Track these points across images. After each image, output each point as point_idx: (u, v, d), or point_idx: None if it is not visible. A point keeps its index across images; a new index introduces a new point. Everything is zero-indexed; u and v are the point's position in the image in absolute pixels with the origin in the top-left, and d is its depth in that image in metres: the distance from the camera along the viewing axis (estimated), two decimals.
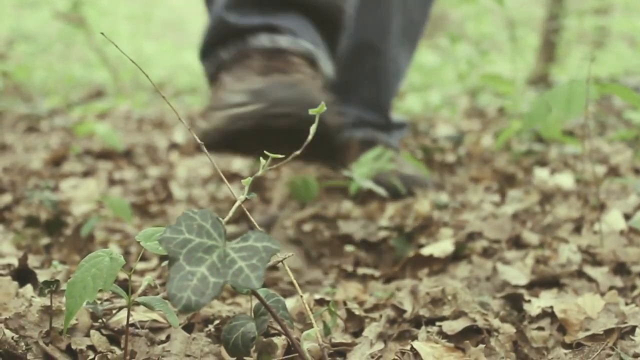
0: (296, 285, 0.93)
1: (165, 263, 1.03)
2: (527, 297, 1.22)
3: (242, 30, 1.57)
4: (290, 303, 1.21)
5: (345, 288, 1.32)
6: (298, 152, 0.93)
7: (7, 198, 2.06)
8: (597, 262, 1.39)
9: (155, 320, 1.04)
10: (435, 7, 2.50)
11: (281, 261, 0.96)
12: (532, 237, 1.57)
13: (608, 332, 1.06)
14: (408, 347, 0.99)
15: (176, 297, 0.68)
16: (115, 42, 0.95)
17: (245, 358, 0.94)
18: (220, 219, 0.76)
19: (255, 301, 0.88)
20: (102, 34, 0.99)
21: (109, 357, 0.89)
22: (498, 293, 1.29)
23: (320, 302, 1.22)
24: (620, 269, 1.35)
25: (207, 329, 1.02)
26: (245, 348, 0.85)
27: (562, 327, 1.12)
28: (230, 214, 0.93)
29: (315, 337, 0.95)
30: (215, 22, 1.67)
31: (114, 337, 0.98)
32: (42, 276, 1.20)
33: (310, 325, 1.04)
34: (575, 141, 2.08)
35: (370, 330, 1.08)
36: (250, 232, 0.74)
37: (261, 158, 0.91)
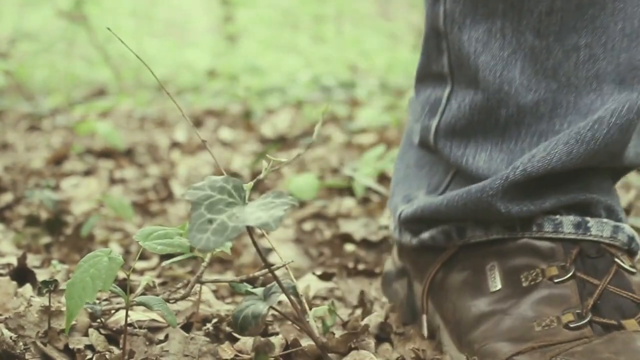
0: (296, 283, 0.93)
1: (165, 263, 1.03)
2: None
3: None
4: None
5: (347, 284, 1.32)
6: (301, 153, 0.93)
7: (7, 197, 2.06)
8: None
9: (153, 320, 1.04)
10: None
11: (284, 266, 0.96)
12: None
13: None
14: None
15: (196, 237, 0.72)
16: (118, 41, 0.95)
17: (243, 357, 0.94)
18: (242, 185, 0.79)
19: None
20: (108, 28, 0.99)
21: (107, 356, 0.89)
22: None
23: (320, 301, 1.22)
24: None
25: (205, 328, 1.02)
26: (255, 320, 0.87)
27: None
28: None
29: (324, 314, 0.97)
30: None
31: (113, 337, 0.98)
32: (42, 276, 1.20)
33: (306, 326, 1.04)
34: None
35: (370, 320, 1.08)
36: (269, 192, 0.78)
37: (263, 160, 0.91)
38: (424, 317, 1.04)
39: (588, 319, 0.84)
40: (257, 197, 0.78)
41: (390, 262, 1.20)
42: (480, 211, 0.94)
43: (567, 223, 0.91)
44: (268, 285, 0.91)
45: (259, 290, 0.92)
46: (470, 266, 0.96)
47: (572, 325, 0.83)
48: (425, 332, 1.03)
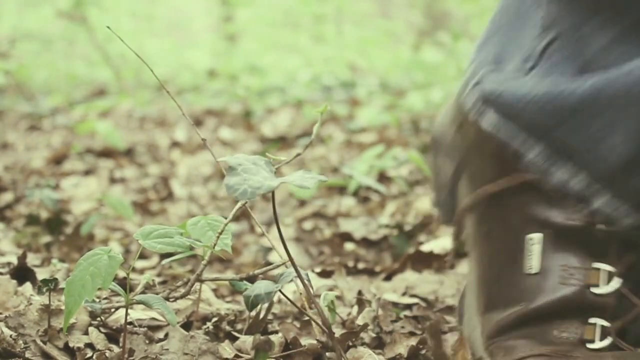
0: (296, 282, 0.93)
1: (165, 261, 1.03)
2: None
3: None
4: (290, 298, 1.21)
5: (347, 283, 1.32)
6: (300, 153, 0.93)
7: (8, 196, 2.07)
8: None
9: (153, 319, 1.04)
10: (438, 4, 2.49)
11: (284, 264, 0.96)
12: None
13: None
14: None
15: (233, 187, 0.75)
16: (118, 41, 0.95)
17: (243, 355, 0.94)
18: (271, 162, 0.82)
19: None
20: (108, 27, 0.99)
21: (107, 355, 0.89)
22: None
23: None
24: None
25: (205, 327, 1.02)
26: (267, 296, 0.89)
27: None
28: (232, 214, 0.93)
29: (333, 298, 0.97)
30: None
31: (112, 335, 0.98)
32: (42, 274, 1.20)
33: (305, 324, 1.04)
34: None
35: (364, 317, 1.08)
36: (299, 171, 0.80)
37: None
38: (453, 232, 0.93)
39: (609, 341, 0.78)
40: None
41: (447, 120, 0.93)
42: None
43: None
44: (277, 274, 0.93)
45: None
46: (519, 219, 0.81)
47: (590, 347, 0.77)
48: (451, 258, 0.96)
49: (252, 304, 0.89)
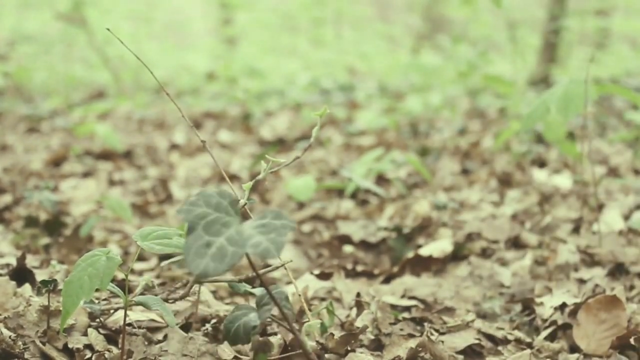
0: (295, 284, 0.93)
1: (164, 263, 1.03)
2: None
3: None
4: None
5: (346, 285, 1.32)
6: (299, 156, 0.93)
7: (7, 198, 2.07)
8: (595, 263, 1.39)
9: (152, 320, 1.04)
10: (437, 8, 2.50)
11: (283, 265, 0.96)
12: (531, 238, 1.57)
13: None
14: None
15: (194, 263, 0.69)
16: (117, 43, 0.95)
17: (242, 357, 0.94)
18: (238, 199, 0.77)
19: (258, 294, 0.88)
20: (107, 29, 1.00)
21: (106, 356, 0.89)
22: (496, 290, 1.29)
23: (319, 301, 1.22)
24: (619, 269, 1.35)
25: (204, 329, 1.03)
26: (246, 336, 0.85)
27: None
28: None
29: (316, 328, 0.96)
30: None
31: (112, 337, 0.98)
32: (41, 276, 1.20)
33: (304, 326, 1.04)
34: (573, 147, 2.08)
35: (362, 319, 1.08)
36: (267, 212, 0.75)
37: (262, 161, 0.91)
38: None
39: None
40: (255, 214, 0.78)
41: None
42: None
43: None
44: (261, 294, 0.89)
45: (258, 291, 0.92)
46: None
47: None
48: None
49: (232, 340, 0.86)
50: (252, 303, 0.89)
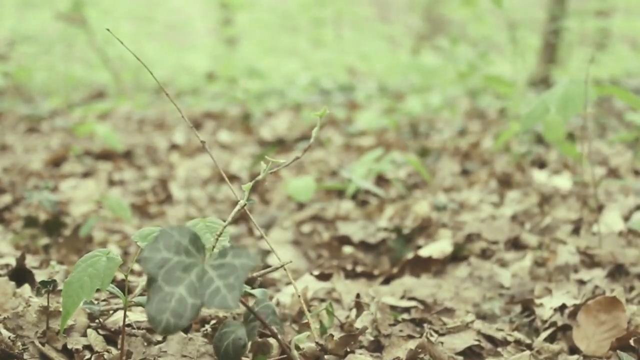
0: (295, 285, 0.93)
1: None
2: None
3: None
4: (288, 300, 1.21)
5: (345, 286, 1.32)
6: (299, 156, 0.93)
7: (6, 198, 2.07)
8: (595, 264, 1.39)
9: None
10: (437, 9, 2.50)
11: (282, 266, 0.96)
12: (530, 239, 1.57)
13: None
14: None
15: (155, 319, 0.70)
16: (117, 43, 0.95)
17: (242, 358, 0.94)
18: (198, 235, 0.75)
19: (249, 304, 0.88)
20: (107, 29, 1.00)
21: (105, 357, 0.89)
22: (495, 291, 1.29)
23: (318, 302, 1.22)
24: (618, 270, 1.35)
25: (203, 329, 1.03)
26: (235, 355, 0.85)
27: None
28: (231, 216, 0.93)
29: (304, 341, 0.95)
30: None
31: (111, 337, 0.98)
32: (40, 276, 1.20)
33: (304, 327, 1.04)
34: (573, 148, 2.08)
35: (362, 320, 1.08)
36: (228, 248, 0.74)
37: (262, 162, 0.91)
38: None
39: None
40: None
41: None
42: None
43: None
44: (246, 312, 0.88)
45: (257, 292, 0.92)
46: None
47: None
48: None
49: (223, 358, 0.85)
50: (252, 303, 0.89)
